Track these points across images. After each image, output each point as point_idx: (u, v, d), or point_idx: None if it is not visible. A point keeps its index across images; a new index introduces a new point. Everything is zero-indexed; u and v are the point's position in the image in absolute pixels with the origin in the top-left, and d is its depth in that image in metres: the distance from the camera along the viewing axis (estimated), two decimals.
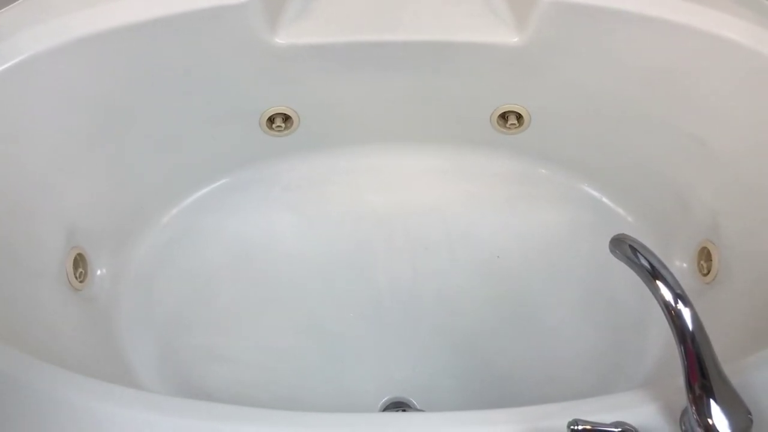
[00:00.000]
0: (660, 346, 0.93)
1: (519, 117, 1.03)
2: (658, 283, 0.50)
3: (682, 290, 0.50)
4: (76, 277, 0.87)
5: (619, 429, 0.51)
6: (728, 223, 0.89)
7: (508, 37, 0.92)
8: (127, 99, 0.91)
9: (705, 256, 0.91)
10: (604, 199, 1.08)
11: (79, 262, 0.89)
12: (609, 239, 0.56)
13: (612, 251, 0.55)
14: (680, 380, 0.50)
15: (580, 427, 0.50)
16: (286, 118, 1.03)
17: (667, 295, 0.50)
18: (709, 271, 0.89)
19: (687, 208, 0.96)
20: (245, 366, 0.93)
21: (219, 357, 0.94)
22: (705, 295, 0.89)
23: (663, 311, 0.50)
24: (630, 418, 0.53)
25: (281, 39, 0.91)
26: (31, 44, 0.81)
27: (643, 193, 1.03)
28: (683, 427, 0.53)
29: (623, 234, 0.55)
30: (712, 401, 0.48)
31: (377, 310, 0.98)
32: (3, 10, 0.85)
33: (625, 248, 0.54)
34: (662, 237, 1.00)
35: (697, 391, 0.48)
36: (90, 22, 0.83)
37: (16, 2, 0.86)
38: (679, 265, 0.96)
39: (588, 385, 0.92)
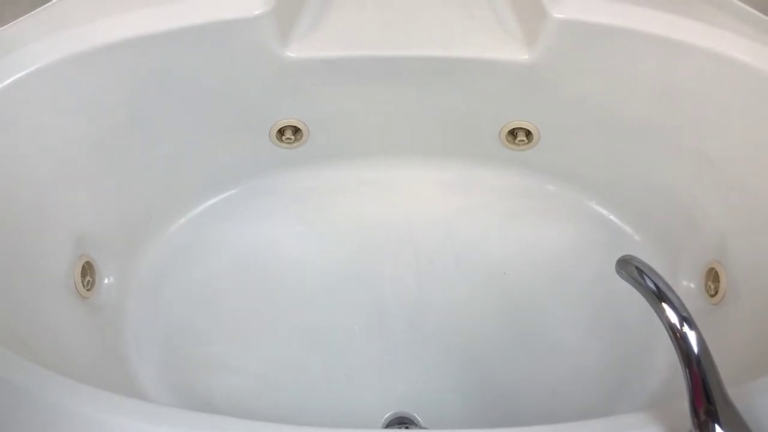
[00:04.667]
0: (666, 363, 0.92)
1: (528, 134, 1.04)
2: (664, 305, 0.50)
3: (688, 313, 0.50)
4: (83, 285, 0.87)
5: None
6: (736, 244, 0.88)
7: (518, 54, 0.92)
8: (138, 109, 0.92)
9: (713, 276, 0.91)
10: (612, 217, 1.08)
11: (87, 270, 0.89)
12: (616, 257, 0.56)
13: (618, 272, 0.55)
14: (685, 402, 0.50)
15: None
16: (296, 130, 1.04)
17: (673, 318, 0.50)
18: (716, 292, 0.89)
19: (695, 227, 0.95)
20: (249, 376, 0.94)
21: (223, 366, 0.94)
22: (712, 316, 0.88)
23: (668, 334, 0.50)
24: None
25: (293, 52, 0.92)
26: (46, 54, 0.81)
27: (651, 211, 1.02)
28: None
29: (629, 255, 0.55)
30: (717, 426, 0.48)
31: (382, 323, 0.98)
32: (19, 19, 0.87)
33: (632, 269, 0.54)
34: (670, 256, 0.99)
35: (702, 416, 0.48)
36: (104, 33, 0.84)
37: (32, 12, 0.88)
38: (687, 285, 0.95)
39: (593, 402, 0.91)
